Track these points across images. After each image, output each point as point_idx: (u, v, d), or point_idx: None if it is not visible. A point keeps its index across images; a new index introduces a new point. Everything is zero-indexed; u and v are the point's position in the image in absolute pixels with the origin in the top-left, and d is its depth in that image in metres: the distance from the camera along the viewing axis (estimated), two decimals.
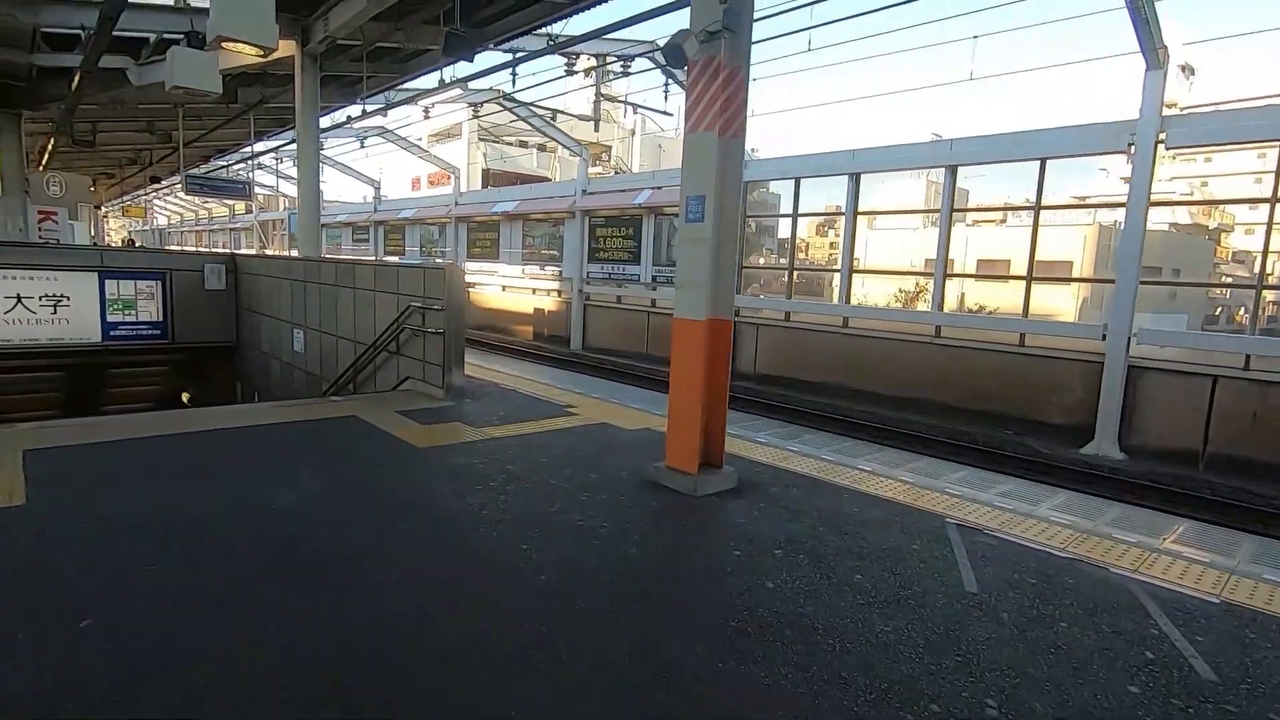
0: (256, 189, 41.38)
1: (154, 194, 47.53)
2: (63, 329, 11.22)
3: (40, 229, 13.25)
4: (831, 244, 24.96)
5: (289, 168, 30.40)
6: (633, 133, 43.69)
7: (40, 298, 11.00)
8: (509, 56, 12.62)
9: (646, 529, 3.84)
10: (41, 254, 11.15)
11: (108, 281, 11.47)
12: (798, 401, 13.60)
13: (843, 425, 11.80)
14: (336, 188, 37.14)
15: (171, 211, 56.26)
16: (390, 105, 14.32)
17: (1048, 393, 11.40)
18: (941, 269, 12.65)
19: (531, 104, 15.62)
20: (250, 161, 17.58)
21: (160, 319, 11.96)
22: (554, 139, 19.42)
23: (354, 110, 16.00)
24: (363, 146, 22.98)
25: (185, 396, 14.56)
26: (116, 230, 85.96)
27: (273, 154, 28.86)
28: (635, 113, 16.41)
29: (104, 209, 32.16)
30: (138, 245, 36.16)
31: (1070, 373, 11.11)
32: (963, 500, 4.55)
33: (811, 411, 12.58)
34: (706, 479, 4.43)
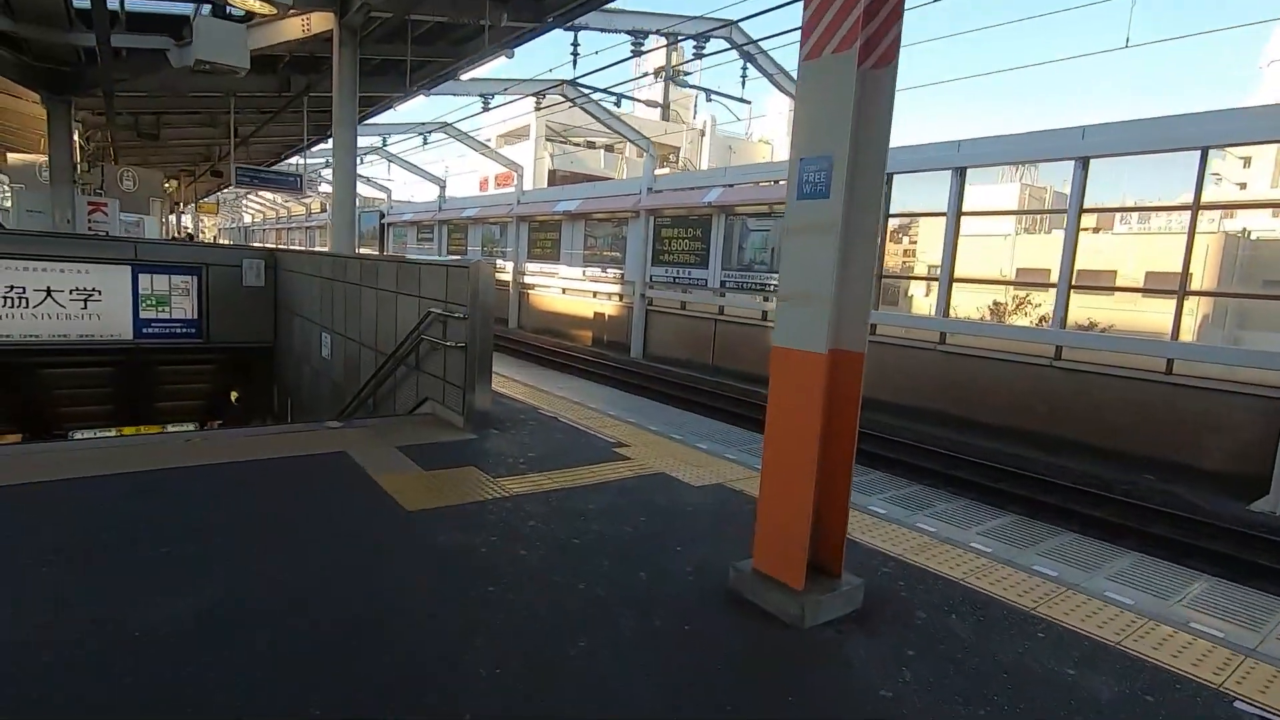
0: (326, 187, 41.79)
1: (243, 193, 48.63)
2: (93, 325, 10.42)
3: (90, 221, 12.65)
4: (906, 250, 22.76)
5: (361, 166, 30.08)
6: (702, 133, 42.13)
7: (70, 291, 10.22)
8: (570, 36, 11.27)
9: (725, 704, 2.26)
10: (72, 245, 10.36)
11: (141, 276, 10.62)
12: (884, 427, 11.72)
13: (944, 461, 9.90)
14: (410, 188, 36.87)
15: (255, 210, 57.74)
16: (436, 88, 13.14)
17: (1203, 432, 9.24)
18: (1066, 280, 10.59)
19: (595, 90, 14.22)
20: (304, 154, 16.81)
21: (195, 317, 11.05)
22: (618, 131, 18.02)
23: (416, 106, 15.01)
24: (425, 144, 22.12)
25: (234, 395, 13.77)
26: (210, 227, 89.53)
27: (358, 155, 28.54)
28: (709, 100, 14.75)
29: (183, 205, 32.51)
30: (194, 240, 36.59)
31: (1237, 408, 8.94)
32: (1231, 649, 2.80)
33: (906, 441, 10.70)
34: (818, 597, 2.81)
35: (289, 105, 14.27)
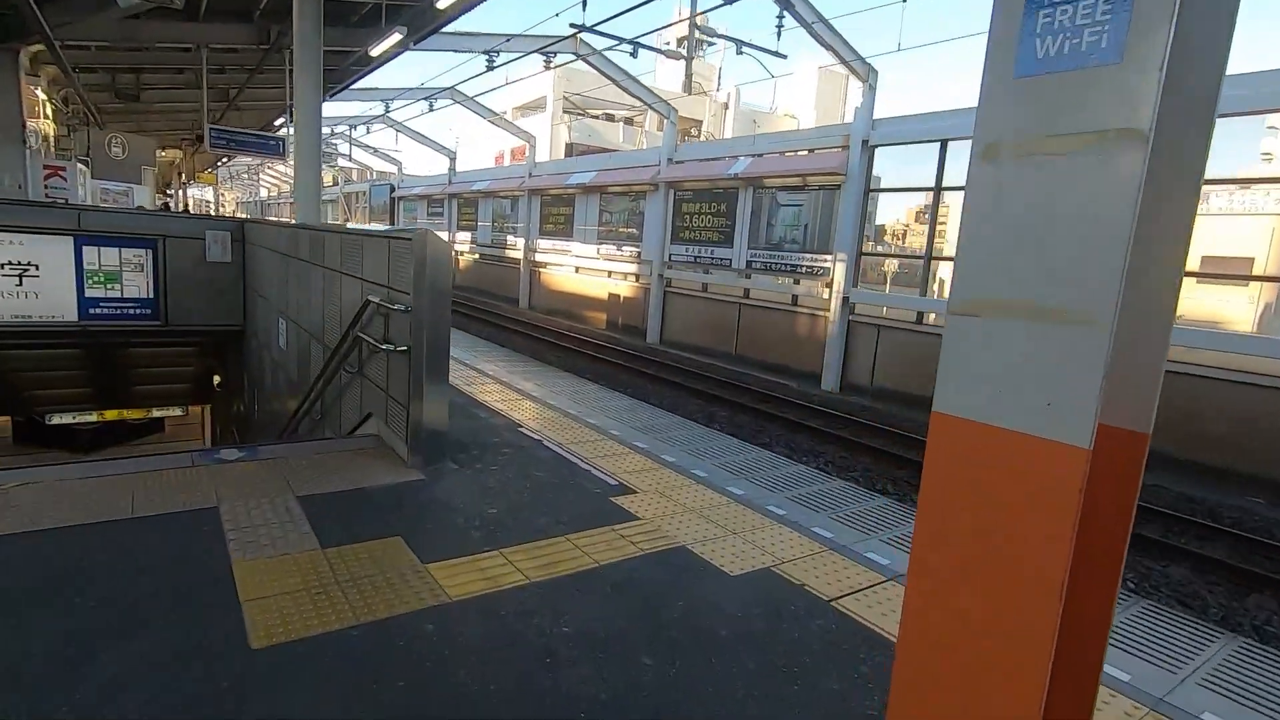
0: (341, 161, 40.30)
1: (256, 165, 47.31)
2: (29, 304, 9.02)
3: (46, 186, 11.26)
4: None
5: (366, 136, 28.51)
6: (725, 106, 40.04)
7: (3, 265, 8.81)
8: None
9: None
10: (5, 213, 8.93)
11: (86, 248, 9.19)
12: None
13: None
14: (427, 162, 35.26)
15: (270, 183, 56.51)
16: (425, 39, 11.48)
17: None
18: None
19: (612, 39, 12.43)
20: (287, 118, 15.25)
21: (150, 296, 9.62)
22: (635, 95, 16.25)
23: (424, 70, 13.41)
24: (431, 109, 20.49)
25: (216, 380, 12.49)
26: (229, 200, 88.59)
27: (359, 123, 26.98)
28: (740, 52, 12.98)
29: (185, 177, 31.19)
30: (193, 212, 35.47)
31: None
32: None
33: None
34: None
35: (266, 60, 12.70)
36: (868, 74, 12.15)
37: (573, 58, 14.63)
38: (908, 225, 20.66)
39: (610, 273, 19.10)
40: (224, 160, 35.54)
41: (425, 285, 3.67)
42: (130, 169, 19.67)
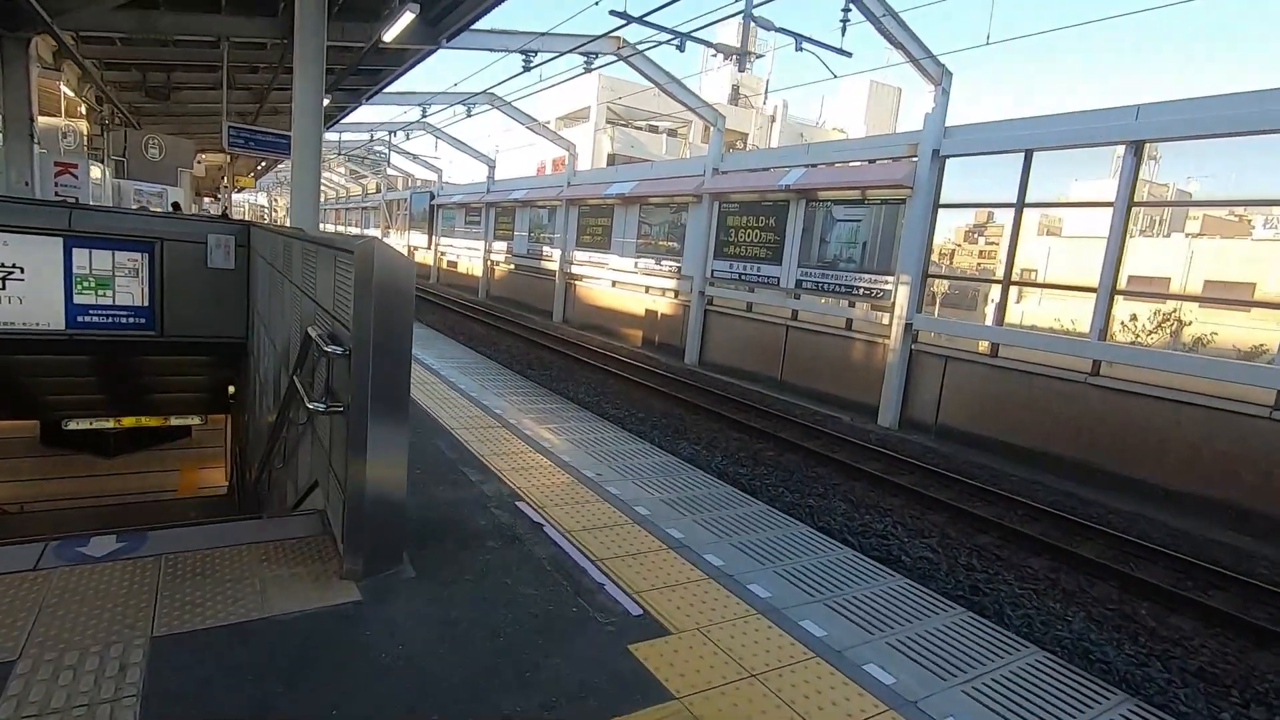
0: (389, 170, 40.04)
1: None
2: (13, 310, 8.19)
3: (57, 185, 10.56)
4: (983, 252, 19.09)
5: (406, 142, 27.92)
6: (772, 119, 38.77)
7: None
8: None
9: None
10: None
11: (76, 251, 8.33)
12: (1019, 488, 8.56)
13: (1135, 552, 6.70)
14: (469, 172, 34.66)
15: (322, 189, 56.99)
16: (455, 37, 10.47)
17: None
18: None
19: (657, 30, 11.23)
20: (336, 127, 14.43)
21: (145, 304, 8.72)
22: (680, 100, 15.06)
23: (460, 74, 12.49)
24: (469, 114, 19.64)
25: (231, 390, 11.69)
26: (281, 207, 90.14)
27: (399, 129, 26.40)
28: (799, 49, 11.67)
29: (229, 182, 31.05)
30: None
31: None
32: None
33: (1058, 512, 7.51)
34: None
35: (290, 56, 11.85)
36: (940, 76, 10.76)
37: (614, 59, 13.52)
38: (957, 245, 19.03)
39: (648, 288, 17.90)
40: (272, 165, 35.46)
41: (369, 319, 2.49)
42: (166, 171, 19.22)
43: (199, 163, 28.21)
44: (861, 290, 12.11)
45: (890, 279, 11.56)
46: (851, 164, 12.61)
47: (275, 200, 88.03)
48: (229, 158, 28.83)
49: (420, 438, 4.74)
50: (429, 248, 33.05)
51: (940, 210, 11.15)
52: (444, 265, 32.19)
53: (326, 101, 13.53)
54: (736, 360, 14.85)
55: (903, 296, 11.24)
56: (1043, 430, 9.47)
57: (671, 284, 16.86)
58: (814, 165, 13.27)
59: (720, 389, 13.09)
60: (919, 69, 10.69)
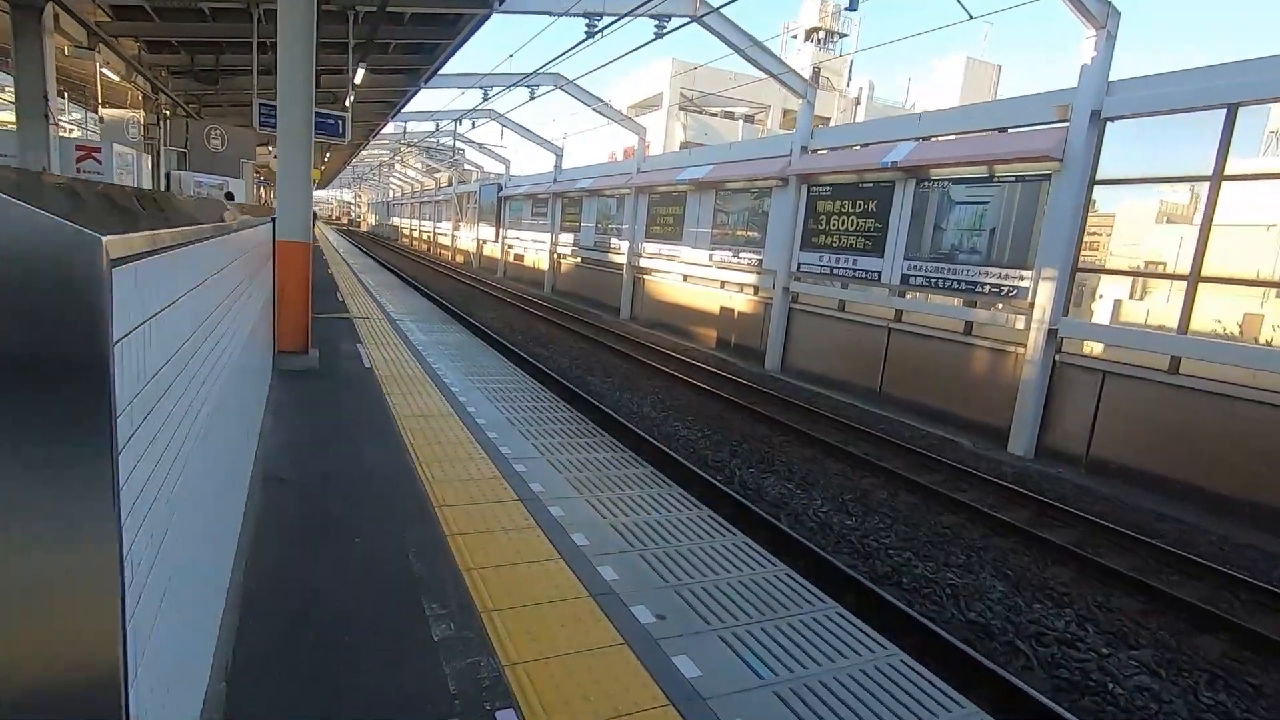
0: (466, 166, 39.43)
1: (386, 163, 47.68)
2: None
3: (79, 170, 9.64)
4: (1089, 243, 16.01)
5: (470, 131, 26.84)
6: (856, 101, 35.94)
7: None
8: None
9: None
10: None
11: None
12: (1232, 555, 6.29)
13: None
14: (535, 161, 33.49)
15: (398, 185, 57.33)
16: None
17: None
18: None
19: None
20: (398, 115, 13.23)
21: None
22: (764, 69, 13.04)
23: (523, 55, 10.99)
24: (533, 97, 18.17)
25: None
26: (362, 201, 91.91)
27: (463, 116, 25.31)
28: None
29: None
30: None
31: None
32: None
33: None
34: None
35: (326, 29, 10.56)
36: (1104, 16, 8.42)
37: (687, 20, 11.66)
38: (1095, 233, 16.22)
39: (723, 283, 16.00)
40: (346, 159, 35.24)
41: None
42: (228, 162, 18.55)
43: (272, 155, 28.10)
44: (987, 288, 9.88)
45: (1026, 274, 9.32)
46: (976, 134, 10.35)
47: (359, 195, 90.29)
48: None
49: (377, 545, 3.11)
50: (496, 240, 32.08)
51: (1096, 187, 8.82)
52: (510, 259, 31.12)
53: (358, 77, 12.26)
54: (825, 366, 12.81)
55: (1044, 296, 9.00)
56: (1252, 474, 7.12)
57: (750, 278, 14.91)
58: (926, 138, 11.07)
59: (808, 401, 11.11)
60: (1076, 8, 8.38)
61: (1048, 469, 8.78)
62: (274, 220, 5.33)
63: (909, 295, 11.29)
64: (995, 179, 9.87)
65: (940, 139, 10.91)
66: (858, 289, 12.34)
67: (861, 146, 12.33)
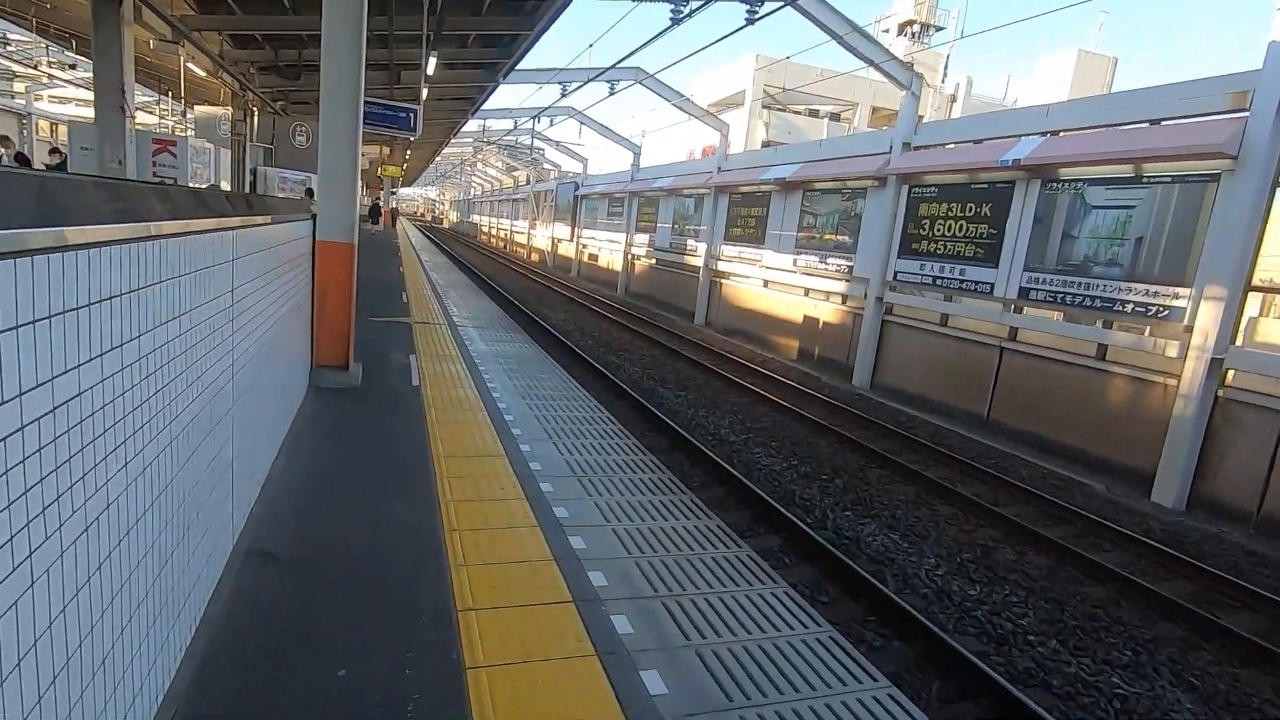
0: (547, 166, 39.30)
1: (467, 161, 48.28)
2: None
3: (154, 164, 9.49)
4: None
5: (548, 129, 26.44)
6: (953, 98, 33.69)
7: None
8: None
9: None
10: None
11: None
12: None
13: None
14: (613, 159, 32.90)
15: (478, 183, 58.09)
16: None
17: None
18: None
19: None
20: (424, 82, 12.71)
21: None
22: (863, 56, 11.78)
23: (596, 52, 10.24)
24: (612, 93, 17.42)
25: None
26: (446, 200, 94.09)
27: (541, 113, 24.92)
28: None
29: (387, 176, 31.13)
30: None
31: None
32: None
33: None
34: None
35: (401, 20, 10.08)
36: None
37: (782, 4, 10.58)
38: None
39: (808, 290, 14.80)
40: (430, 157, 35.59)
41: None
42: (312, 158, 18.62)
43: (362, 155, 28.50)
44: (1129, 306, 8.41)
45: (1183, 292, 7.83)
46: (1119, 128, 8.87)
47: (443, 193, 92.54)
48: (383, 149, 28.87)
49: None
50: (571, 240, 31.67)
51: None
52: (585, 259, 30.63)
53: (430, 67, 11.73)
54: (922, 386, 11.48)
55: (1206, 318, 7.52)
56: None
57: (839, 286, 13.67)
58: (1055, 133, 9.63)
59: (904, 426, 9.88)
60: None
61: (1206, 526, 7.30)
62: (314, 217, 4.69)
63: (1027, 311, 9.88)
64: (1144, 179, 8.39)
65: (1073, 134, 9.46)
66: (965, 301, 10.98)
67: (975, 143, 10.95)
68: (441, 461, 3.90)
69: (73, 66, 22.14)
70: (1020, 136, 10.02)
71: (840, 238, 13.74)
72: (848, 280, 13.38)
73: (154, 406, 1.84)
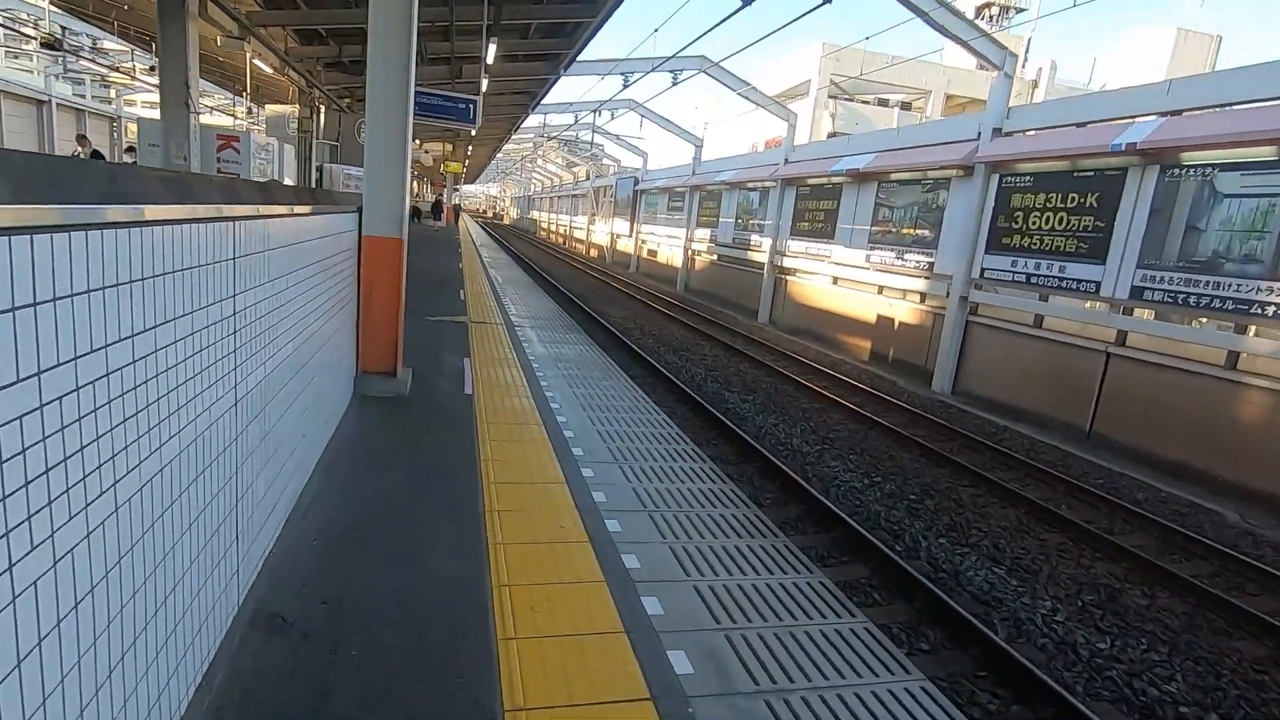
0: (606, 161, 38.99)
1: (527, 158, 48.48)
2: None
3: (219, 160, 9.43)
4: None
5: (608, 123, 26.01)
6: (1035, 84, 31.73)
7: None
8: None
9: None
10: None
11: None
12: None
13: None
14: (672, 153, 32.31)
15: (538, 179, 58.32)
16: None
17: None
18: None
19: None
20: (484, 71, 12.35)
21: None
22: (950, 33, 10.80)
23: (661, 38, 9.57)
24: (675, 83, 16.80)
25: None
26: (505, 196, 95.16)
27: (602, 106, 24.53)
28: None
29: (450, 174, 31.32)
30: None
31: None
32: None
33: None
34: None
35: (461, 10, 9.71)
36: None
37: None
38: None
39: (882, 288, 13.87)
40: (490, 153, 35.71)
41: None
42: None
43: (425, 152, 28.73)
44: (1271, 309, 7.32)
45: None
46: (1260, 105, 7.74)
47: (504, 190, 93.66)
48: (447, 146, 29.02)
49: None
50: (630, 235, 31.22)
51: None
52: (644, 254, 30.13)
53: (490, 55, 11.34)
54: (1012, 394, 10.50)
55: None
56: None
57: (918, 284, 12.72)
58: (1175, 113, 8.53)
59: (994, 438, 8.99)
60: None
61: None
62: (359, 210, 4.30)
63: (1136, 312, 8.82)
64: None
65: (1199, 113, 8.35)
66: (1062, 301, 9.96)
67: (1078, 126, 9.88)
68: (493, 489, 3.41)
69: (153, 69, 22.94)
70: (1133, 119, 8.95)
71: (919, 232, 12.78)
72: (927, 277, 12.43)
73: (143, 445, 1.38)
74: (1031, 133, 10.52)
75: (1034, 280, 10.24)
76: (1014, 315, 10.79)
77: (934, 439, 8.75)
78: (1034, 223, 10.28)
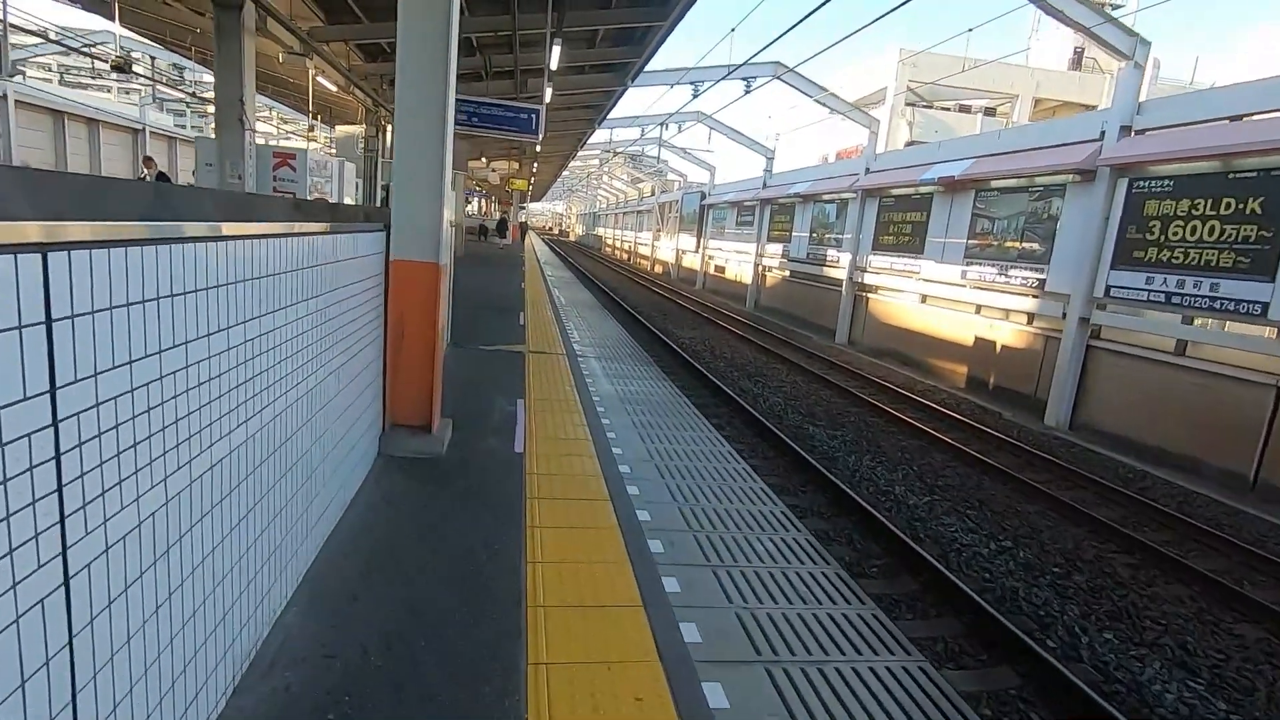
0: (670, 175, 38.35)
1: (593, 174, 48.41)
2: None
3: (275, 178, 9.04)
4: None
5: (675, 136, 25.22)
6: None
7: None
8: None
9: None
10: None
11: None
12: None
13: None
14: (741, 167, 31.28)
15: (604, 196, 58.23)
16: None
17: None
18: None
19: None
20: (548, 78, 11.60)
21: None
22: (1066, 18, 9.40)
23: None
24: (748, 91, 15.84)
25: None
26: (571, 214, 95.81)
27: (669, 119, 23.77)
28: None
29: (517, 193, 31.15)
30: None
31: None
32: None
33: None
34: None
35: (526, 18, 9.05)
36: None
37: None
38: None
39: (980, 307, 12.44)
40: (557, 171, 35.52)
41: None
42: None
43: (492, 170, 28.67)
44: None
45: None
46: None
47: (570, 207, 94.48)
48: (513, 164, 28.87)
49: None
50: (696, 251, 30.29)
51: None
52: (710, 270, 29.13)
53: (554, 59, 10.61)
54: (1148, 432, 8.97)
55: None
56: None
57: (1025, 303, 11.27)
58: None
59: (1135, 487, 7.57)
60: None
61: None
62: (386, 228, 3.48)
63: None
64: None
65: None
66: (1210, 324, 8.43)
67: (1231, 120, 8.38)
68: (540, 617, 2.42)
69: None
70: None
71: (1027, 245, 11.34)
72: (1037, 296, 10.97)
73: None
74: (1191, 126, 8.99)
75: (1175, 300, 8.73)
76: (1149, 340, 9.27)
77: (1061, 486, 7.41)
78: (1175, 233, 8.78)
